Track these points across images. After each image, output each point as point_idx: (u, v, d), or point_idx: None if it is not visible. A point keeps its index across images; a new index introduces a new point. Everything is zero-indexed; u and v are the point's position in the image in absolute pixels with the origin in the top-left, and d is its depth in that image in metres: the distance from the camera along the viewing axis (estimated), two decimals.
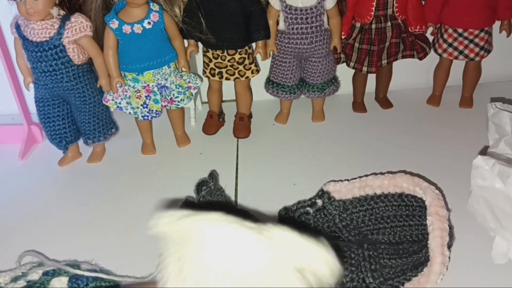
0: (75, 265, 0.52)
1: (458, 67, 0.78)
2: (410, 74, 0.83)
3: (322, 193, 0.56)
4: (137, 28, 0.64)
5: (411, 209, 0.53)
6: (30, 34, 0.63)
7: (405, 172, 0.56)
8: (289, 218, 0.56)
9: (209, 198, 0.58)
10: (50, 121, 0.70)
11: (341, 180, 0.57)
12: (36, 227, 0.61)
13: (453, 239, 0.52)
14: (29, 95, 0.72)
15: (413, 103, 0.81)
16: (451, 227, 0.51)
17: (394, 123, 0.76)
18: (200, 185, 0.61)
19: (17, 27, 0.65)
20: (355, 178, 0.56)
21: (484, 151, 0.60)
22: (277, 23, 0.71)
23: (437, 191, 0.50)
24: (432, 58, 0.78)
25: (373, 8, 0.71)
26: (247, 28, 0.69)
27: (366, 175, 0.56)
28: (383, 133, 0.74)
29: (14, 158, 0.74)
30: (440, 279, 0.46)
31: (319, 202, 0.56)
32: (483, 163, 0.49)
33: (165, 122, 0.75)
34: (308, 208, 0.56)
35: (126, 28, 0.64)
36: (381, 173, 0.56)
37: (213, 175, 0.63)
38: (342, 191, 0.56)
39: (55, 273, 0.51)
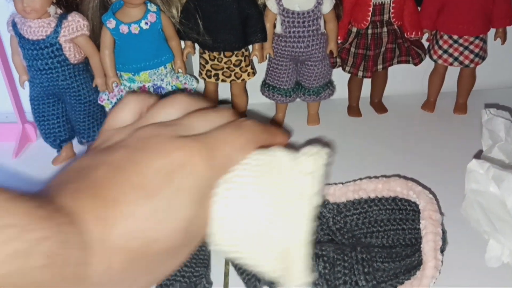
0: None
1: (452, 73, 0.79)
2: (405, 80, 0.84)
3: None
4: (134, 28, 0.64)
5: (404, 213, 0.53)
6: (26, 32, 0.63)
7: (399, 176, 0.56)
8: None
9: None
10: (45, 120, 0.69)
11: (335, 183, 0.57)
12: None
13: (446, 243, 0.52)
14: (24, 93, 0.72)
15: (408, 108, 0.81)
16: (444, 232, 0.52)
17: (389, 127, 0.77)
18: None
19: (14, 25, 0.64)
20: (349, 182, 0.56)
21: (477, 157, 0.60)
22: (274, 26, 0.71)
23: (430, 196, 0.51)
24: (427, 64, 0.78)
25: (370, 14, 0.71)
26: (244, 31, 0.69)
27: (361, 179, 0.56)
28: (378, 137, 0.74)
29: (7, 156, 0.74)
30: (433, 283, 0.46)
31: None
32: (477, 167, 0.49)
33: None
34: None
35: (123, 28, 0.64)
36: (375, 177, 0.56)
37: None
38: (336, 194, 0.56)
39: None
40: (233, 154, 0.30)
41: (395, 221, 0.54)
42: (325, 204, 0.55)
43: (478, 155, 0.62)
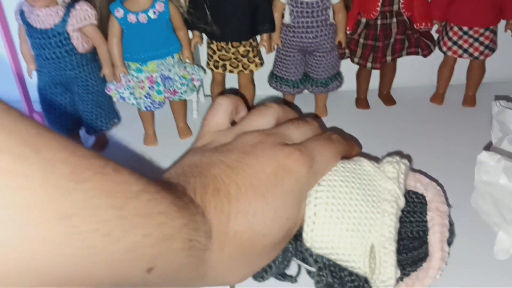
0: None
1: (462, 66, 0.78)
2: (414, 72, 0.83)
3: None
4: (142, 18, 0.64)
5: (412, 206, 0.53)
6: (34, 20, 0.63)
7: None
8: None
9: None
10: (52, 109, 0.69)
11: None
12: None
13: (453, 235, 0.51)
14: (32, 83, 0.72)
15: (417, 100, 0.81)
16: (451, 224, 0.51)
17: (397, 119, 0.76)
18: None
19: (22, 13, 0.64)
20: None
21: (487, 149, 0.60)
22: (283, 16, 0.71)
23: (438, 187, 0.50)
24: (437, 56, 0.77)
25: (379, 4, 0.70)
26: (252, 21, 0.69)
27: None
28: (386, 129, 0.74)
29: None
30: (439, 275, 0.46)
31: None
32: (488, 158, 0.49)
33: (167, 114, 0.75)
34: None
35: (131, 17, 0.63)
36: None
37: None
38: None
39: None
40: (327, 162, 0.35)
41: (402, 213, 0.53)
42: None
43: (488, 147, 0.61)
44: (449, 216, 0.50)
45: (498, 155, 0.48)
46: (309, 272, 0.50)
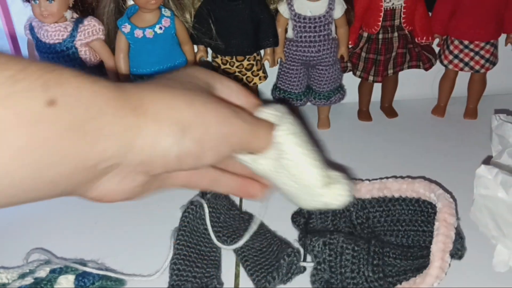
0: (82, 263, 0.53)
1: (463, 78, 0.79)
2: (416, 85, 0.84)
3: None
4: (149, 33, 0.65)
5: (426, 215, 0.54)
6: (43, 36, 0.65)
7: (424, 178, 0.57)
8: (308, 211, 0.57)
9: (214, 201, 0.59)
10: None
11: (362, 180, 0.59)
12: (43, 225, 0.61)
13: (464, 249, 0.52)
14: None
15: (418, 113, 0.82)
16: (462, 237, 0.52)
17: (399, 132, 0.77)
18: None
19: (31, 28, 0.66)
20: (376, 179, 0.58)
21: (487, 162, 0.61)
22: (286, 31, 0.72)
23: (450, 199, 0.51)
24: (438, 69, 0.79)
25: (381, 19, 0.72)
26: (256, 35, 0.70)
27: (387, 177, 0.58)
28: (388, 141, 0.75)
29: None
30: (437, 283, 0.47)
31: None
32: (486, 172, 0.50)
33: None
34: None
35: (138, 33, 0.65)
36: (401, 177, 0.58)
37: None
38: (361, 191, 0.58)
39: (62, 271, 0.52)
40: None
41: (417, 222, 0.55)
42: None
43: (488, 160, 0.62)
44: (459, 229, 0.51)
45: (496, 169, 0.49)
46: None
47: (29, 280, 0.51)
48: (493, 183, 0.49)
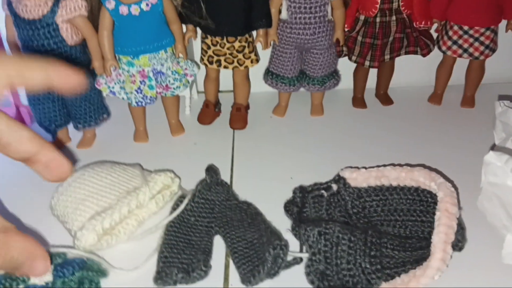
0: (61, 253, 0.50)
1: (460, 66, 0.76)
2: (412, 72, 0.82)
3: (338, 178, 0.56)
4: (135, 10, 0.61)
5: (425, 205, 0.52)
6: (22, 11, 0.61)
7: (424, 166, 0.55)
8: (301, 200, 0.55)
9: (206, 194, 0.57)
10: (40, 103, 0.67)
11: (358, 168, 0.57)
12: (22, 213, 0.58)
13: (465, 240, 0.50)
14: None
15: (414, 100, 0.79)
16: (463, 228, 0.50)
17: (394, 120, 0.75)
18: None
19: (9, 3, 0.62)
20: (372, 167, 0.56)
21: (487, 152, 0.58)
22: (280, 12, 0.69)
23: (452, 189, 0.48)
24: (435, 56, 0.76)
25: (379, 1, 0.69)
26: (248, 15, 0.67)
27: (384, 165, 0.55)
28: (382, 129, 0.72)
29: None
30: (438, 276, 0.44)
31: (334, 186, 0.56)
32: (495, 159, 0.47)
33: (159, 110, 0.73)
34: (323, 191, 0.55)
35: (123, 9, 0.61)
36: (400, 165, 0.55)
37: (211, 169, 0.60)
38: (358, 179, 0.55)
39: None
40: None
41: (415, 212, 0.52)
42: (346, 187, 0.55)
43: (486, 149, 0.60)
44: (461, 219, 0.48)
45: (506, 155, 0.47)
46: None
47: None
48: (502, 170, 0.46)
